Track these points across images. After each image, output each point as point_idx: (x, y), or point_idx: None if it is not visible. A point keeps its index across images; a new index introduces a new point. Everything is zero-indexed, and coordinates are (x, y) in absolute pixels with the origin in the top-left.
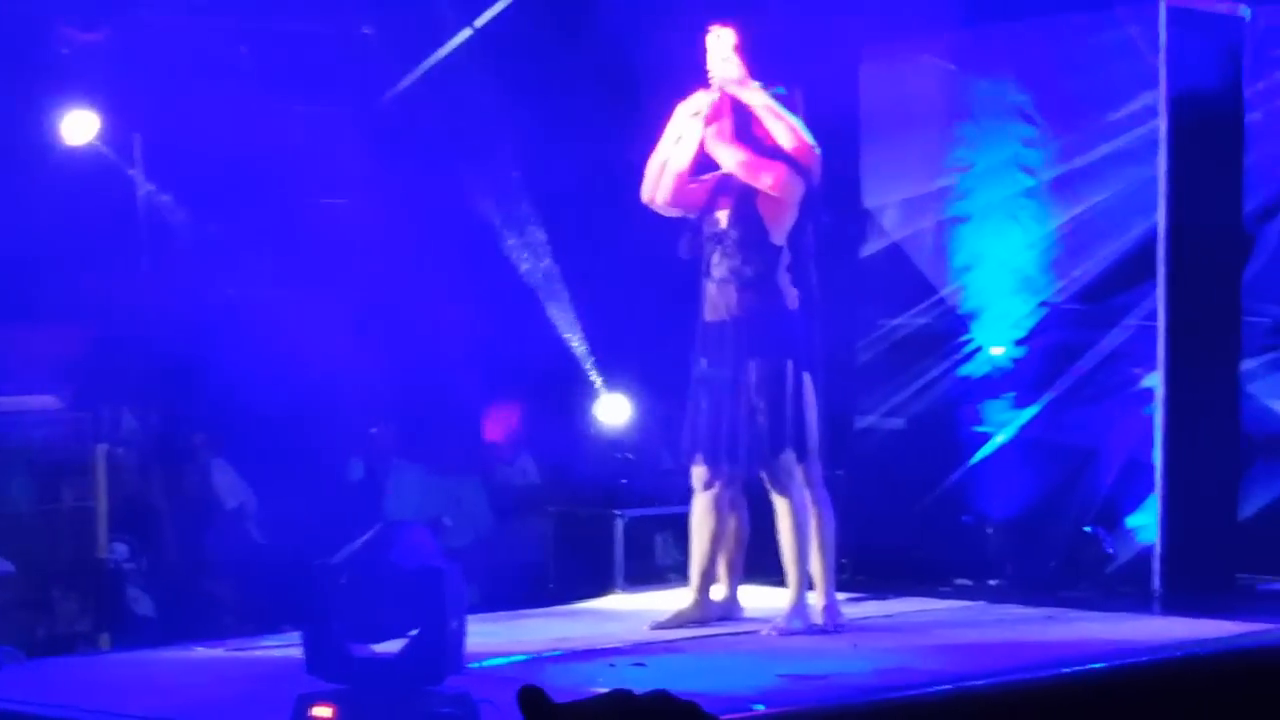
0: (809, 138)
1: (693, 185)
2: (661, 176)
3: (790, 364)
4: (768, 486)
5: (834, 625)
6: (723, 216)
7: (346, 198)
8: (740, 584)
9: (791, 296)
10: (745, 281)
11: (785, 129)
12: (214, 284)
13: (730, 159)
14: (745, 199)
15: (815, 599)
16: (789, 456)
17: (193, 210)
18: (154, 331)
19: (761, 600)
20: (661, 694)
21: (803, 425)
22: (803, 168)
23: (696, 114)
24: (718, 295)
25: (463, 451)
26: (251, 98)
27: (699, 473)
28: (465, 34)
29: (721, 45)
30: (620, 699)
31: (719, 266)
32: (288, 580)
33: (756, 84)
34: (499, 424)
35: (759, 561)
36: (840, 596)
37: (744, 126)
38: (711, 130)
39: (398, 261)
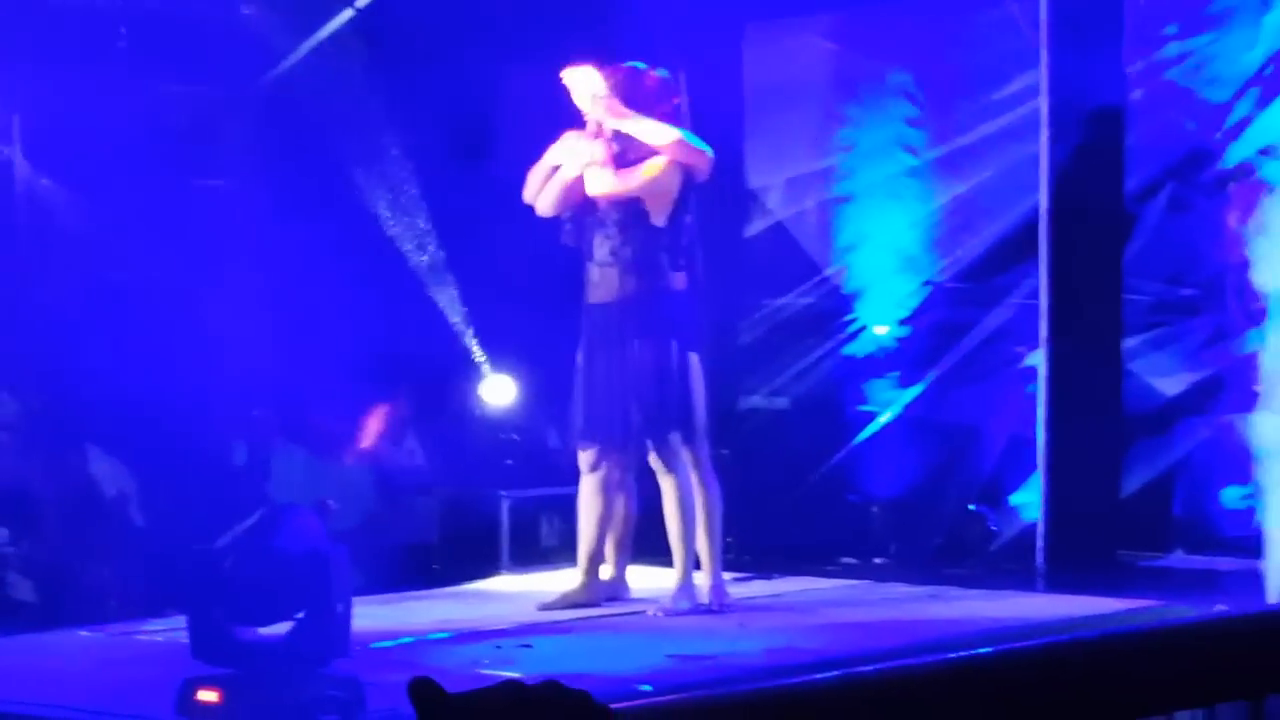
0: (699, 144)
1: (573, 184)
2: (547, 185)
3: (675, 345)
4: (655, 467)
5: (720, 605)
6: (603, 200)
7: (227, 179)
8: (627, 565)
9: (675, 278)
10: (627, 264)
11: (675, 148)
12: (94, 266)
13: (617, 187)
14: None
15: (702, 579)
16: (676, 437)
17: (72, 191)
18: (33, 315)
19: (648, 581)
20: (552, 683)
21: (689, 406)
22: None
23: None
24: (600, 278)
25: (347, 433)
26: (131, 78)
27: (586, 454)
28: (347, 14)
29: (585, 85)
30: (512, 689)
31: (601, 249)
32: (172, 565)
33: (631, 114)
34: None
35: (646, 542)
36: (726, 576)
37: (625, 152)
38: (594, 170)
39: (280, 244)
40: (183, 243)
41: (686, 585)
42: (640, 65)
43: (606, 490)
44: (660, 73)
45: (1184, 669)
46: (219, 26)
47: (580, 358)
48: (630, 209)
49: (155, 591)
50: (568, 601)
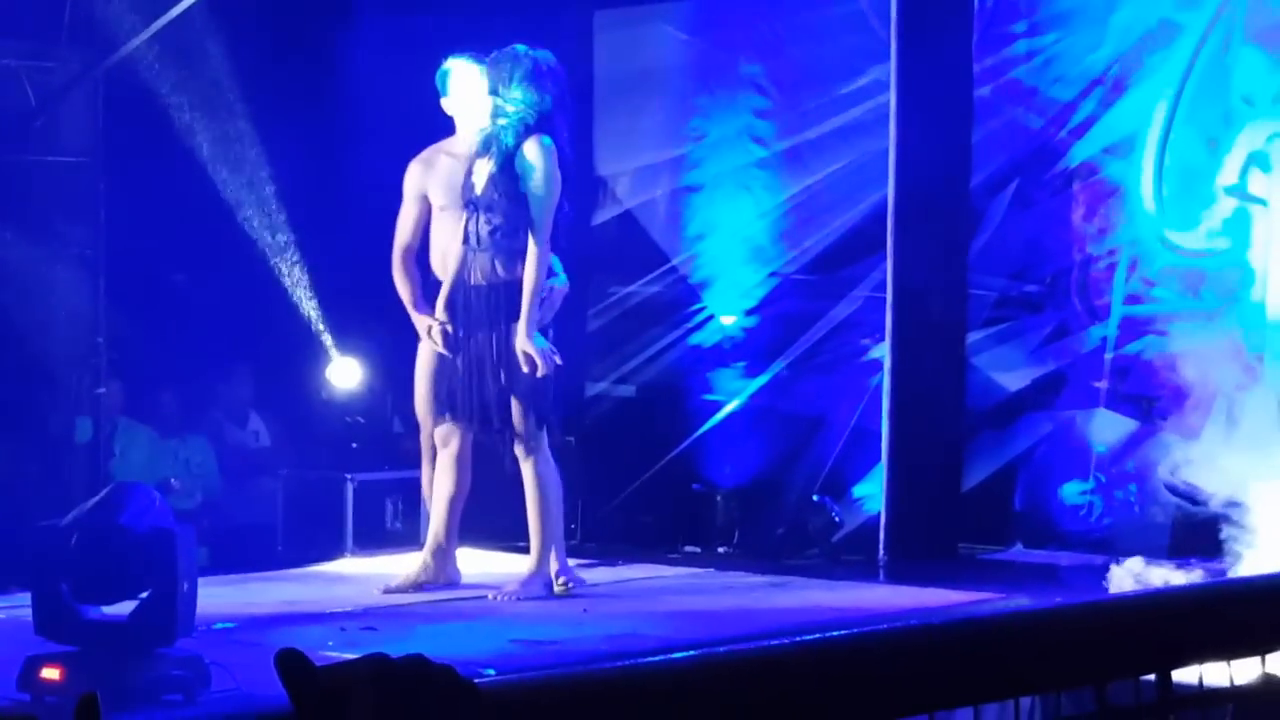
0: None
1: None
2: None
3: (550, 332)
4: (518, 453)
5: (576, 584)
6: (479, 183)
7: (73, 156)
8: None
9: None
10: (500, 248)
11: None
12: None
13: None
14: (503, 168)
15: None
16: (534, 422)
17: None
18: None
19: (477, 565)
20: (419, 656)
21: (550, 392)
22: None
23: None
24: (474, 261)
25: (191, 413)
26: None
27: (443, 430)
28: None
29: (471, 83)
30: (378, 661)
31: (479, 233)
32: (15, 541)
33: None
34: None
35: (473, 525)
36: (571, 563)
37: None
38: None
39: (128, 221)
40: (32, 219)
41: (543, 571)
42: (521, 48)
43: (459, 469)
44: (517, 49)
45: (1028, 656)
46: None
47: (449, 336)
48: (507, 194)
49: None
50: (414, 583)
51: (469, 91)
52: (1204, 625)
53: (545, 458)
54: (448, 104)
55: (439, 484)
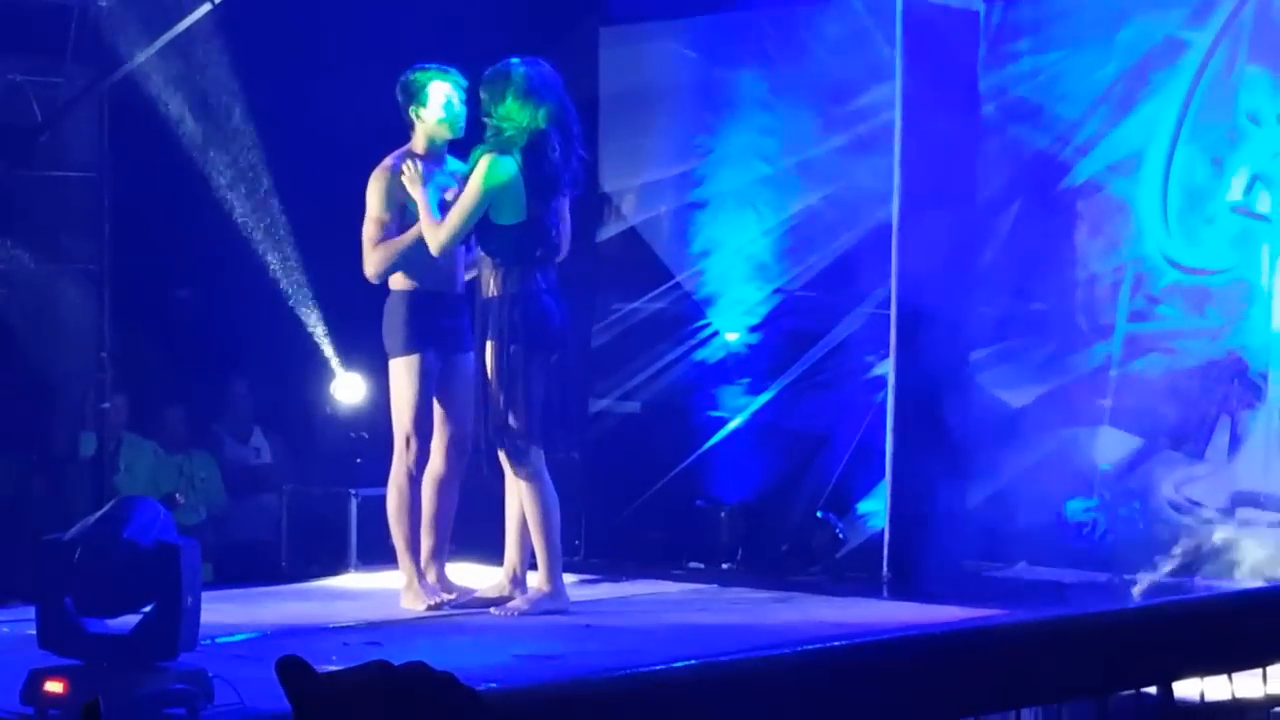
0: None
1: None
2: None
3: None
4: (524, 469)
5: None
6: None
7: (79, 171)
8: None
9: (512, 279)
10: (495, 263)
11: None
12: None
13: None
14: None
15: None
16: (523, 438)
17: None
18: None
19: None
20: (419, 664)
21: (535, 407)
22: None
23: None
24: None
25: (196, 428)
26: None
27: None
28: (205, 9)
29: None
30: (379, 668)
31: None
32: (20, 555)
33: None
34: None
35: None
36: (575, 578)
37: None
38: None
39: (133, 236)
40: (39, 234)
41: (556, 588)
42: (514, 61)
43: (453, 487)
44: (511, 62)
45: (1030, 668)
46: (77, 17)
47: (516, 353)
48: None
49: (3, 581)
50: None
51: (450, 107)
52: (1204, 638)
53: (532, 474)
54: (427, 114)
55: (444, 502)
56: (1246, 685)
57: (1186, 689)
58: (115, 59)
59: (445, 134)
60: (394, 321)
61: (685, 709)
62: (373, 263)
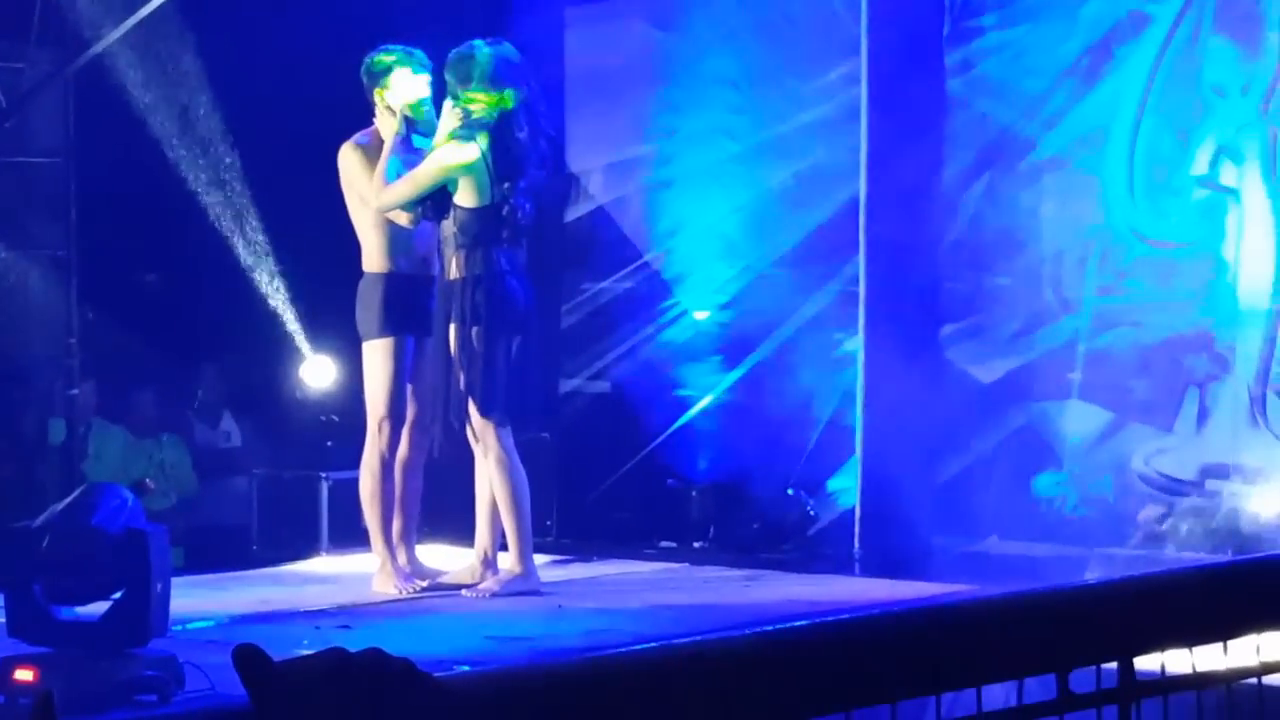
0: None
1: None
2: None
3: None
4: (475, 450)
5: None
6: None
7: (47, 156)
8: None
9: (475, 260)
10: (459, 244)
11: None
12: None
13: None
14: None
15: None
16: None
17: None
18: None
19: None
20: (375, 650)
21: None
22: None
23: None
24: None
25: (165, 413)
26: None
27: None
28: None
29: (419, 76)
30: (335, 656)
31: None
32: None
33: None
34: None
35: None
36: (546, 559)
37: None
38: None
39: (100, 221)
40: (0, 219)
41: (527, 570)
42: (478, 43)
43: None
44: (474, 44)
45: (992, 643)
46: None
47: (479, 335)
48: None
49: None
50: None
51: (415, 89)
52: (1165, 613)
53: (500, 455)
54: (390, 96)
55: (410, 484)
56: (1207, 659)
57: (1147, 663)
58: (80, 43)
59: (410, 115)
60: (368, 304)
61: (647, 689)
62: (393, 193)
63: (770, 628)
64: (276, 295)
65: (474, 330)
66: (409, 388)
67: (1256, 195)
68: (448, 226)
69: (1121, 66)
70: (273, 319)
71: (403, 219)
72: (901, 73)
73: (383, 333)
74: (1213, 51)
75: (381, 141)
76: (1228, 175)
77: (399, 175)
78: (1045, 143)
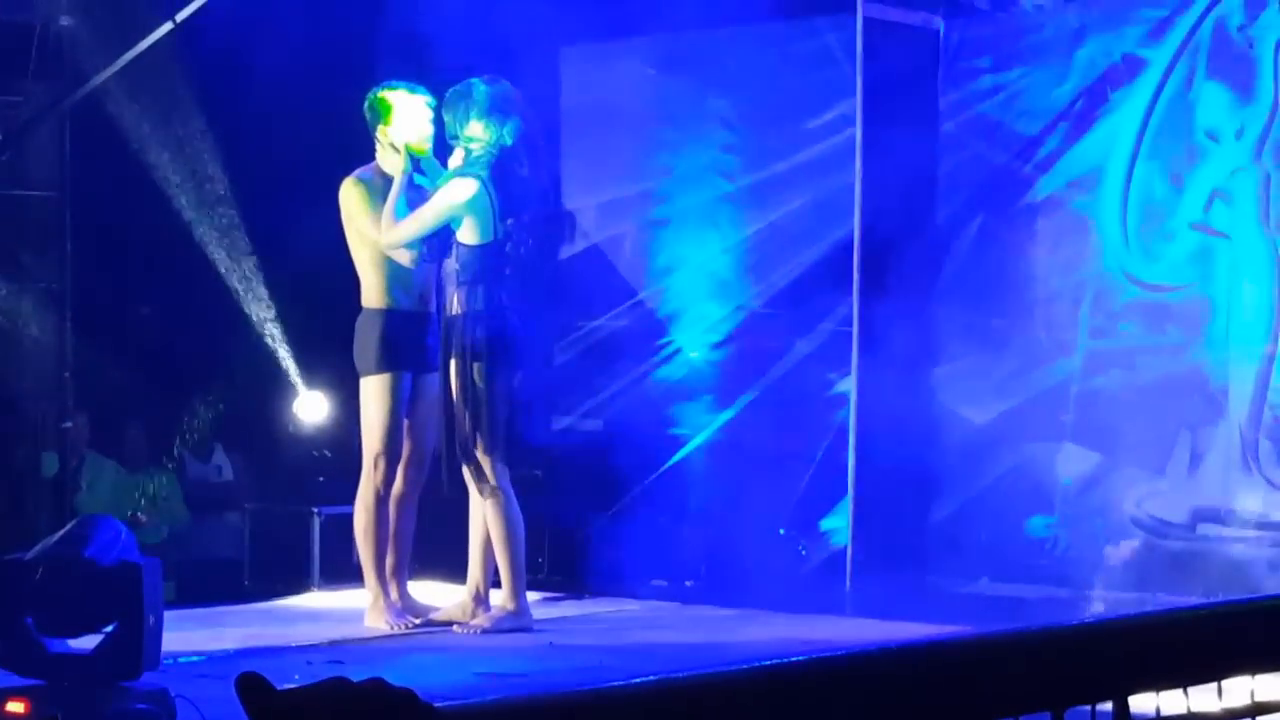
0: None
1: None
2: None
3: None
4: (476, 488)
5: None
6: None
7: (42, 190)
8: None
9: (476, 297)
10: (461, 281)
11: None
12: None
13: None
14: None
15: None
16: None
17: None
18: None
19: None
20: (378, 680)
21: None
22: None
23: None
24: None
25: (158, 446)
26: None
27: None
28: (166, 28)
29: (423, 113)
30: (337, 685)
31: (447, 267)
32: None
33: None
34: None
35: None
36: (537, 596)
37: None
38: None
39: (94, 255)
40: None
41: (520, 607)
42: (475, 81)
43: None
44: (470, 81)
45: (987, 682)
46: (38, 37)
47: (479, 371)
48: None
49: None
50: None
51: (419, 126)
52: (1160, 653)
53: (497, 492)
54: (393, 133)
55: (403, 519)
56: (1202, 699)
57: (1143, 703)
58: (77, 77)
59: (412, 152)
60: (367, 340)
61: None
62: (401, 231)
63: (764, 663)
64: (270, 330)
65: (475, 366)
66: (405, 424)
67: (1250, 239)
68: (450, 264)
69: (1116, 110)
70: (266, 353)
71: (404, 258)
72: (896, 114)
73: (380, 368)
74: (1206, 96)
75: (383, 176)
76: (1221, 219)
77: (407, 213)
78: (1039, 185)
